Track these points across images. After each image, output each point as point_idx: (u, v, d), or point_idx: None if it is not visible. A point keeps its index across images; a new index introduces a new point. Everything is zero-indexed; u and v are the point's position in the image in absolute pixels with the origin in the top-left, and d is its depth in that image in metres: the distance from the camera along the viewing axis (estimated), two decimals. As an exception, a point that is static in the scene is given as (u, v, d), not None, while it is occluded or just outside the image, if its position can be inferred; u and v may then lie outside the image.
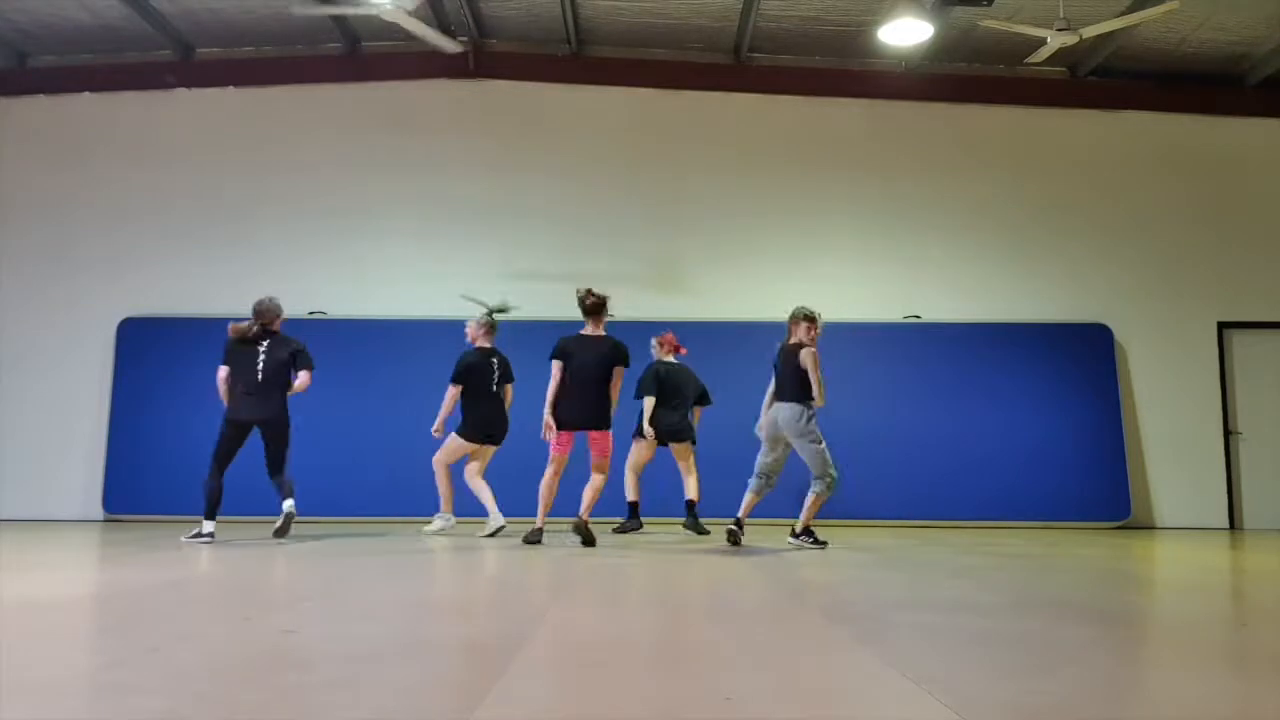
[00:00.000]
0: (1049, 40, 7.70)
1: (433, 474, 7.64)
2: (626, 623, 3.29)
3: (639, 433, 7.66)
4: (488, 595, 4.09)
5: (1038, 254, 10.05)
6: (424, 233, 9.95)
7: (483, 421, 7.45)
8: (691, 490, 7.72)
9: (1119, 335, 9.79)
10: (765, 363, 9.46)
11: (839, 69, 10.23)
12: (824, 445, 6.32)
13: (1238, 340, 9.95)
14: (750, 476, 6.58)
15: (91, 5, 9.29)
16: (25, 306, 9.82)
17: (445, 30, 8.93)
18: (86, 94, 10.23)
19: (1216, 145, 10.19)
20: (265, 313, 6.77)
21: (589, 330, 6.71)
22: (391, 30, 8.86)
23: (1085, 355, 9.67)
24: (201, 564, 5.07)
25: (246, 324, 6.74)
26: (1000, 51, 9.70)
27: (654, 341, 8.01)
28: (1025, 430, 9.43)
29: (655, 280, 9.90)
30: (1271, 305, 9.96)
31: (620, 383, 6.69)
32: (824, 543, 6.48)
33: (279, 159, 10.08)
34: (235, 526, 7.97)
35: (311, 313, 9.71)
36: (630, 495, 7.81)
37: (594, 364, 6.56)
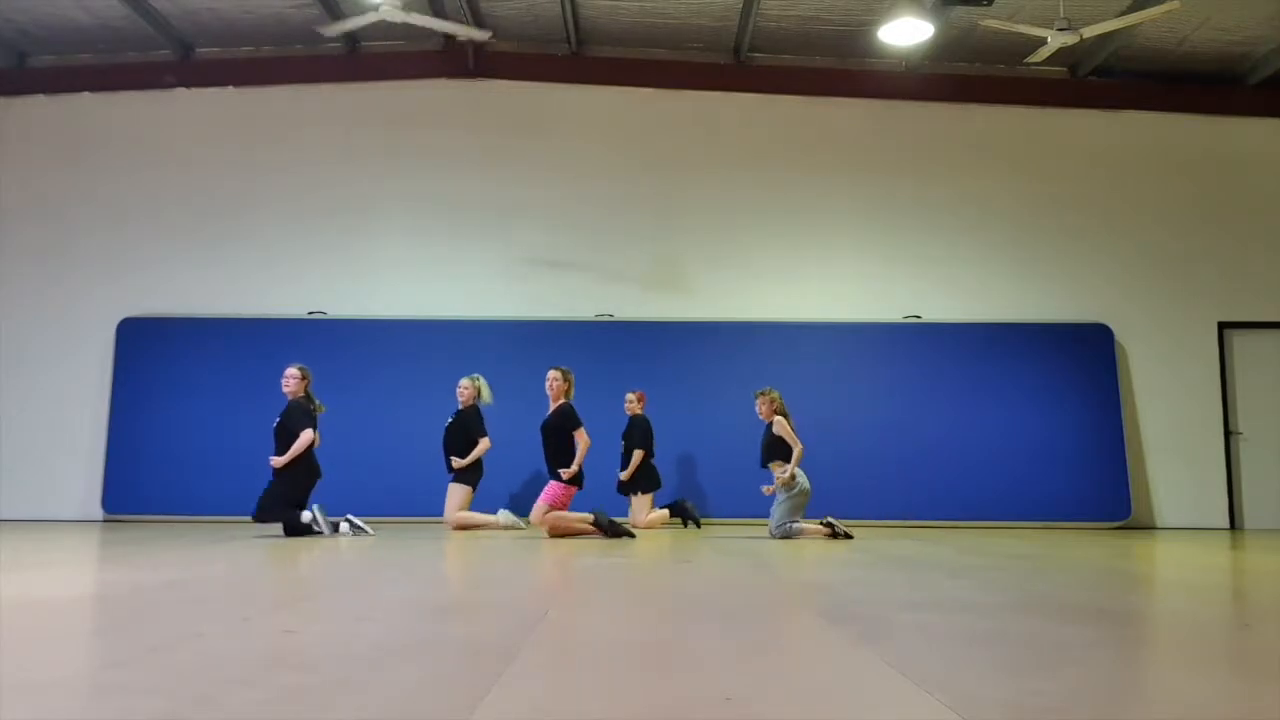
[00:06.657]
0: (1049, 40, 7.70)
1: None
2: (626, 623, 3.28)
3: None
4: (488, 595, 4.08)
5: (1038, 254, 10.05)
6: (423, 232, 9.95)
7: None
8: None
9: (1119, 335, 9.78)
10: (765, 362, 9.51)
11: (839, 69, 10.22)
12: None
13: (1238, 340, 9.94)
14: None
15: (91, 5, 9.29)
16: (25, 306, 9.81)
17: (445, 32, 8.91)
18: (86, 94, 10.23)
19: (1216, 145, 10.18)
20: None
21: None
22: (391, 30, 8.86)
23: (1085, 355, 9.67)
24: (201, 564, 5.06)
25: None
26: (1000, 51, 9.69)
27: (630, 397, 8.57)
28: (1025, 430, 9.43)
29: (655, 280, 9.90)
30: (1271, 305, 9.95)
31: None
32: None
33: (279, 159, 10.08)
34: (236, 526, 7.98)
35: (311, 313, 9.71)
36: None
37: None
